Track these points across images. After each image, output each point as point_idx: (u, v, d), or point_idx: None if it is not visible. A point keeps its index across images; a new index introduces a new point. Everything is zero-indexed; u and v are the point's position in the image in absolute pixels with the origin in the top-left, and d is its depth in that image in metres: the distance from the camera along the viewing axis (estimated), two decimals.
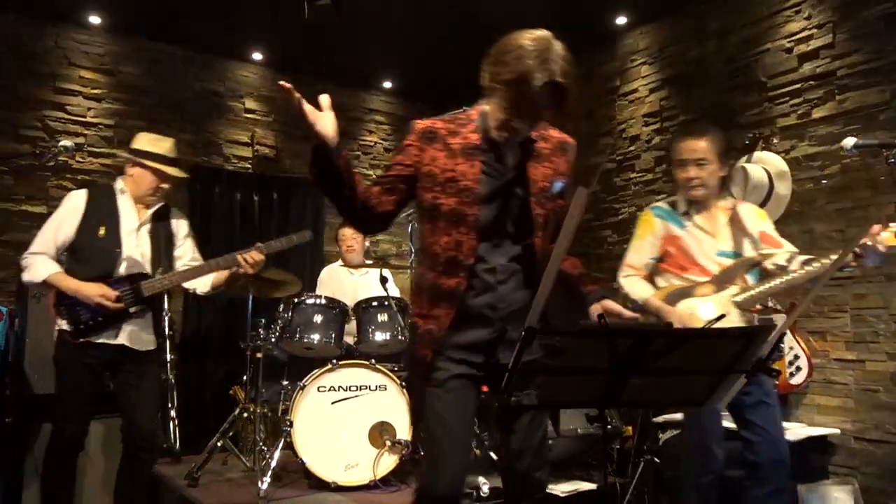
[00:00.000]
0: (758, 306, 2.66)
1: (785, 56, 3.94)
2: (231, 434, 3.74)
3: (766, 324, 2.53)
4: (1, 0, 4.39)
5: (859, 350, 3.51)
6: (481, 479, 3.25)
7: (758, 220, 2.72)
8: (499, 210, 1.83)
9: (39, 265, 2.81)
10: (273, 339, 3.66)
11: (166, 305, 3.64)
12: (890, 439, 3.35)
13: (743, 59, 4.16)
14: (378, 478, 3.38)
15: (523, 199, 1.84)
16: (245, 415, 3.76)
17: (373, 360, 3.58)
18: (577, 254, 1.98)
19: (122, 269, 2.89)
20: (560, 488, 3.39)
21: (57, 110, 4.63)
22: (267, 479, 3.20)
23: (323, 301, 3.67)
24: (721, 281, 2.61)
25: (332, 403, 3.50)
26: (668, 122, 4.64)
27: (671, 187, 2.78)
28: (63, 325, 2.83)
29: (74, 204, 2.91)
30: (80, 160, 4.65)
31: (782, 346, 3.60)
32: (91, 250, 2.87)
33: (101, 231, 2.88)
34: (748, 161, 3.77)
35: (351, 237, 4.27)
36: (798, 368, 3.58)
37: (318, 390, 3.49)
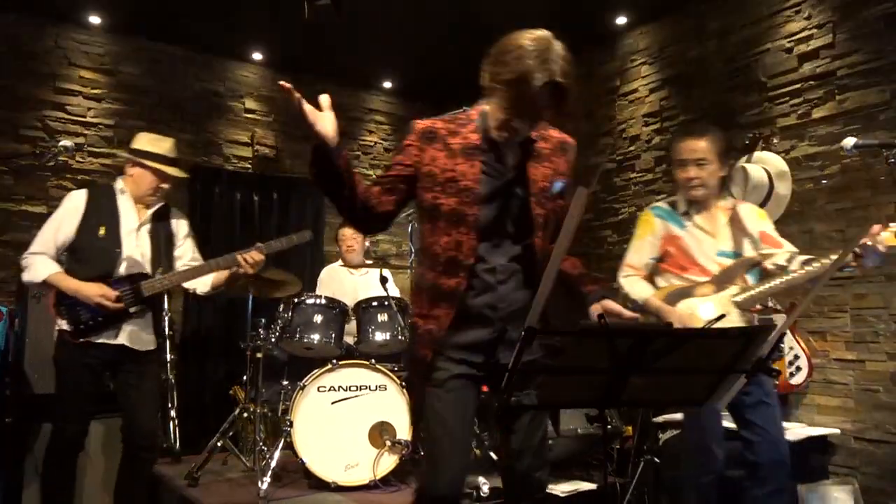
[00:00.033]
0: (757, 306, 2.66)
1: (785, 56, 3.94)
2: (231, 434, 3.74)
3: (766, 324, 2.53)
4: (1, 0, 4.39)
5: (859, 350, 3.51)
6: (481, 479, 3.25)
7: (758, 219, 2.72)
8: (499, 210, 1.83)
9: (39, 265, 2.81)
10: (273, 339, 3.66)
11: (166, 305, 3.64)
12: (890, 439, 3.35)
13: (743, 59, 4.16)
14: (378, 478, 3.38)
15: (523, 199, 1.84)
16: (245, 415, 3.76)
17: (373, 360, 3.58)
18: (577, 254, 1.98)
19: (122, 270, 2.89)
20: (560, 488, 3.39)
21: (57, 110, 4.63)
22: (267, 479, 3.20)
23: (323, 301, 3.67)
24: (721, 281, 2.61)
25: (332, 403, 3.50)
26: (668, 122, 4.64)
27: (671, 187, 2.78)
28: (63, 325, 2.83)
29: (74, 204, 2.91)
30: (80, 160, 4.65)
31: (782, 346, 3.60)
32: (91, 250, 2.87)
33: (101, 231, 2.88)
34: (748, 161, 3.77)
35: (351, 237, 4.27)
36: (798, 368, 3.58)
37: (318, 390, 3.49)
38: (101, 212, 2.92)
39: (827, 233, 3.66)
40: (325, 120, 1.73)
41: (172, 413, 4.06)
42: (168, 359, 4.03)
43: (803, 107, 3.83)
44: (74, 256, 2.89)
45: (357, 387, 3.55)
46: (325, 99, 1.74)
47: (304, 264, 5.10)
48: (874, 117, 3.49)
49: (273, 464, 3.30)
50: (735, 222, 2.69)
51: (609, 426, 3.70)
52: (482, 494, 3.19)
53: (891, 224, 2.35)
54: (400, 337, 3.62)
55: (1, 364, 3.52)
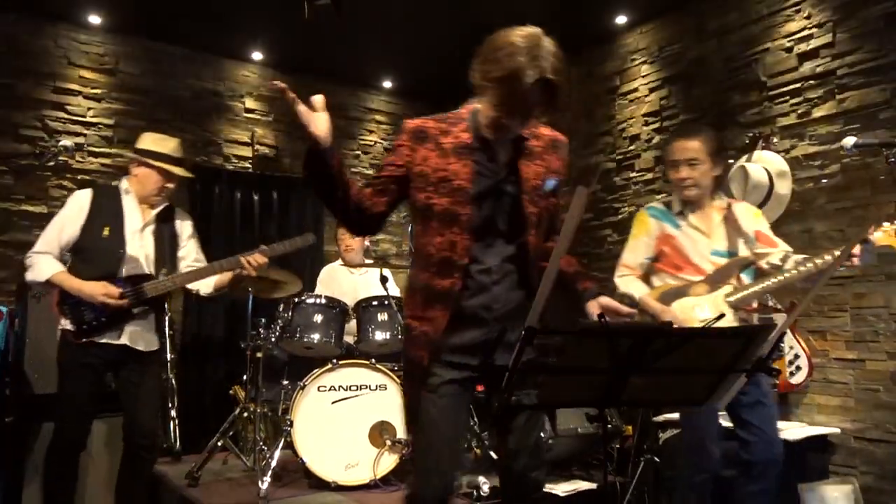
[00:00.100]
0: (754, 304, 2.67)
1: (785, 55, 3.93)
2: (231, 434, 3.74)
3: (767, 323, 2.53)
4: (1, 0, 4.38)
5: (859, 349, 3.51)
6: (481, 479, 3.25)
7: (753, 219, 2.73)
8: (492, 209, 1.82)
9: (43, 264, 2.82)
10: (273, 339, 3.66)
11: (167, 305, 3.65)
12: (890, 439, 3.35)
13: (743, 59, 4.16)
14: (378, 477, 3.39)
15: (516, 197, 1.83)
16: (245, 414, 3.76)
17: (373, 360, 3.59)
18: (577, 254, 1.98)
19: (126, 270, 2.89)
20: (560, 488, 3.40)
21: (57, 110, 4.63)
22: (267, 479, 3.20)
23: (323, 301, 3.67)
24: (715, 280, 2.61)
25: (333, 403, 3.50)
26: (668, 122, 4.64)
27: (671, 187, 2.79)
28: (66, 324, 2.84)
29: (79, 204, 2.92)
30: (80, 160, 4.64)
31: (782, 345, 3.60)
32: (95, 250, 2.87)
33: (106, 231, 2.89)
34: (748, 160, 3.77)
35: (349, 237, 4.26)
36: (798, 368, 3.59)
37: (319, 390, 3.49)
38: (106, 212, 2.92)
39: (827, 232, 3.66)
40: (318, 120, 1.71)
41: (173, 413, 4.04)
42: (168, 358, 4.02)
43: (803, 106, 3.83)
44: (78, 256, 2.89)
45: (357, 386, 3.55)
46: (318, 99, 1.72)
47: (303, 264, 5.10)
48: (874, 116, 3.49)
49: (273, 463, 3.30)
50: (730, 221, 2.69)
51: (609, 426, 3.70)
52: (482, 494, 3.19)
53: (884, 224, 2.36)
54: (400, 336, 3.62)
55: (1, 364, 3.52)
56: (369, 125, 5.97)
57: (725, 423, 2.73)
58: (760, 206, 3.58)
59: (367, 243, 4.42)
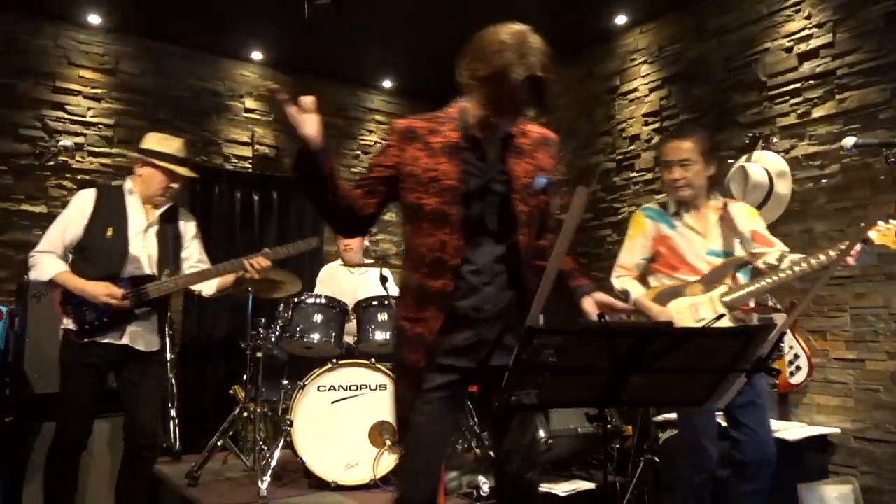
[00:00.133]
0: (751, 304, 2.67)
1: (785, 55, 3.93)
2: (231, 433, 3.74)
3: (766, 323, 2.54)
4: (1, 0, 4.38)
5: (859, 349, 3.51)
6: (481, 479, 3.26)
7: (749, 219, 2.73)
8: (482, 209, 1.81)
9: (46, 264, 2.82)
10: (273, 339, 3.66)
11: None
12: (890, 439, 3.35)
13: (743, 59, 4.16)
14: (378, 477, 3.39)
15: (506, 196, 1.81)
16: (245, 414, 3.76)
17: (373, 360, 3.59)
18: (576, 254, 1.98)
19: (129, 271, 2.89)
20: (560, 487, 3.40)
21: (57, 110, 4.63)
22: (267, 479, 3.20)
23: (323, 300, 3.67)
24: (710, 280, 2.62)
25: (332, 403, 3.50)
26: (667, 122, 4.64)
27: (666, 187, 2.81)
28: (69, 324, 2.84)
29: (83, 203, 2.92)
30: (80, 160, 4.64)
31: (782, 345, 3.60)
32: (98, 250, 2.87)
33: (109, 232, 2.89)
34: (748, 160, 3.78)
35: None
36: (798, 368, 3.59)
37: (318, 390, 3.49)
38: (110, 212, 2.92)
39: (827, 232, 3.66)
40: (308, 122, 1.70)
41: (172, 412, 4.06)
42: (168, 358, 4.03)
43: (803, 106, 3.83)
44: (82, 256, 2.89)
45: (357, 386, 3.55)
46: (308, 100, 1.71)
47: (303, 264, 5.10)
48: (874, 116, 3.49)
49: (273, 463, 3.30)
50: (726, 221, 2.70)
51: (609, 425, 3.69)
52: (482, 494, 3.19)
53: (879, 223, 2.37)
54: None
55: (1, 364, 3.52)
56: (369, 125, 5.97)
57: (723, 422, 2.74)
58: (760, 206, 3.59)
59: (366, 243, 4.42)
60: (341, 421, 3.47)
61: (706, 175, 2.69)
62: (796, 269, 2.45)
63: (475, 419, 3.65)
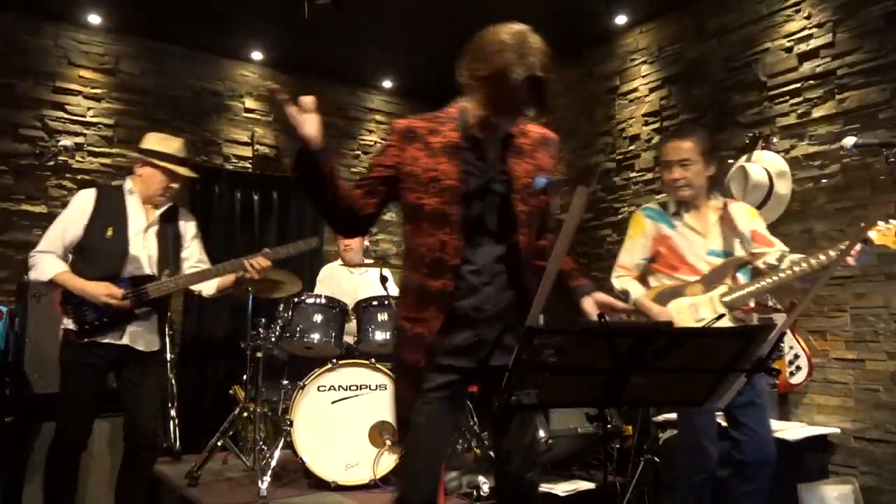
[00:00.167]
0: (751, 304, 2.67)
1: (785, 55, 3.94)
2: (231, 433, 3.74)
3: (767, 323, 2.54)
4: (1, 0, 4.38)
5: (859, 349, 3.51)
6: (481, 479, 3.26)
7: (750, 219, 2.73)
8: (482, 209, 1.80)
9: (46, 263, 2.82)
10: (273, 339, 3.66)
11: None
12: (890, 439, 3.35)
13: (743, 59, 4.16)
14: (378, 477, 3.39)
15: (506, 196, 1.81)
16: (245, 414, 3.76)
17: (373, 360, 3.59)
18: (577, 254, 1.98)
19: (129, 271, 2.89)
20: (560, 487, 3.40)
21: (56, 110, 4.63)
22: (267, 479, 3.20)
23: (323, 300, 3.67)
24: (710, 280, 2.62)
25: (332, 403, 3.50)
26: (667, 122, 4.64)
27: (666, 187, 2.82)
28: (69, 324, 2.84)
29: (83, 203, 2.92)
30: (80, 160, 4.64)
31: (782, 345, 3.60)
32: (98, 250, 2.87)
33: (109, 232, 2.89)
34: (748, 160, 3.78)
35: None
36: (798, 368, 3.59)
37: (318, 390, 3.49)
38: (110, 212, 2.92)
39: (827, 232, 3.66)
40: (309, 122, 1.70)
41: (172, 412, 4.06)
42: (168, 358, 4.03)
43: (803, 106, 3.83)
44: (82, 256, 2.89)
45: (357, 386, 3.55)
46: (308, 100, 1.71)
47: (303, 264, 5.10)
48: (874, 116, 3.49)
49: (273, 463, 3.30)
50: (725, 221, 2.70)
51: (609, 425, 3.70)
52: (482, 494, 3.19)
53: (879, 223, 2.37)
54: None
55: (1, 364, 3.52)
56: (369, 125, 5.97)
57: (723, 422, 2.74)
58: (760, 206, 3.59)
59: (366, 243, 4.42)
60: (341, 421, 3.47)
61: (706, 175, 2.69)
62: (796, 269, 2.45)
63: (475, 419, 3.65)
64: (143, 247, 2.94)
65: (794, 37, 3.89)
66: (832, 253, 2.38)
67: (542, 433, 3.31)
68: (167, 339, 3.25)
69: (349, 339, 3.76)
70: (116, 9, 4.59)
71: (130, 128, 4.80)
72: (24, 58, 4.53)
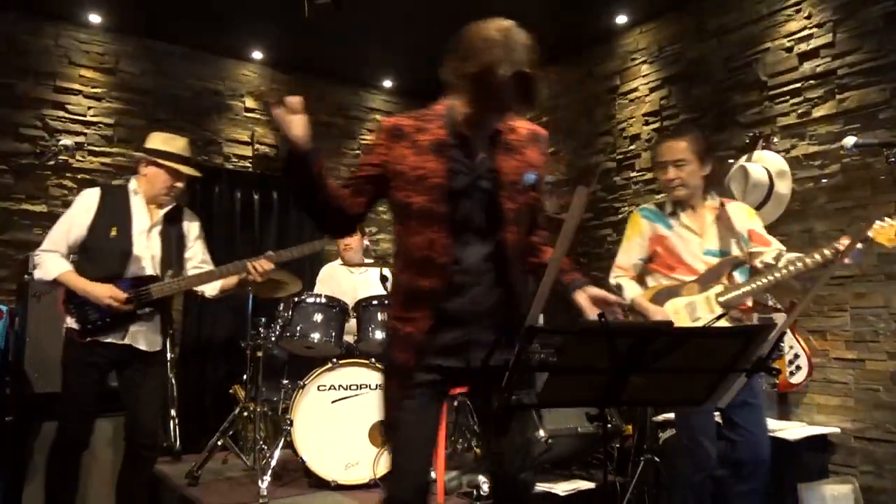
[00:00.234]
0: (748, 303, 2.67)
1: (785, 55, 3.94)
2: (231, 433, 3.74)
3: (766, 323, 2.54)
4: (1, 0, 4.39)
5: (859, 349, 3.51)
6: (481, 479, 3.25)
7: (747, 218, 2.74)
8: (470, 206, 1.79)
9: (50, 263, 2.82)
10: (273, 338, 3.66)
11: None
12: (890, 438, 3.36)
13: (743, 58, 4.16)
14: (378, 476, 3.38)
15: (493, 193, 1.80)
16: (245, 414, 3.76)
17: (373, 359, 3.59)
18: (576, 254, 1.98)
19: (132, 271, 2.89)
20: (560, 487, 3.40)
21: (57, 109, 4.63)
22: (267, 478, 3.20)
23: (323, 300, 3.67)
24: (706, 280, 2.62)
25: (333, 402, 3.50)
26: (668, 122, 4.64)
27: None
28: (71, 323, 2.84)
29: (87, 203, 2.92)
30: (81, 159, 4.64)
31: (782, 345, 3.61)
32: (102, 250, 2.87)
33: (113, 231, 2.89)
34: (748, 160, 3.78)
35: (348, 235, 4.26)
36: (798, 367, 3.59)
37: (319, 389, 3.49)
38: (114, 212, 2.92)
39: (827, 232, 3.66)
40: (295, 123, 1.70)
41: (173, 412, 4.06)
42: (168, 358, 4.03)
43: (803, 106, 3.83)
44: (85, 255, 2.89)
45: (357, 385, 3.56)
46: (295, 101, 1.70)
47: (303, 263, 5.10)
48: (874, 116, 3.49)
49: (273, 463, 3.31)
50: (722, 221, 2.70)
51: (609, 425, 3.70)
52: (482, 494, 3.19)
53: (876, 222, 2.37)
54: None
55: (1, 363, 3.52)
56: (370, 125, 5.96)
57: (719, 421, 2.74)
58: (760, 205, 3.59)
59: (366, 243, 4.42)
60: (341, 420, 3.47)
61: (701, 175, 2.69)
62: (792, 268, 2.45)
63: (475, 419, 3.65)
64: (146, 247, 2.94)
65: (794, 37, 3.89)
66: (827, 252, 2.38)
67: (542, 433, 3.31)
68: (168, 339, 3.25)
69: (349, 338, 3.76)
70: (117, 8, 4.59)
71: (131, 127, 4.80)
72: (24, 57, 4.53)
